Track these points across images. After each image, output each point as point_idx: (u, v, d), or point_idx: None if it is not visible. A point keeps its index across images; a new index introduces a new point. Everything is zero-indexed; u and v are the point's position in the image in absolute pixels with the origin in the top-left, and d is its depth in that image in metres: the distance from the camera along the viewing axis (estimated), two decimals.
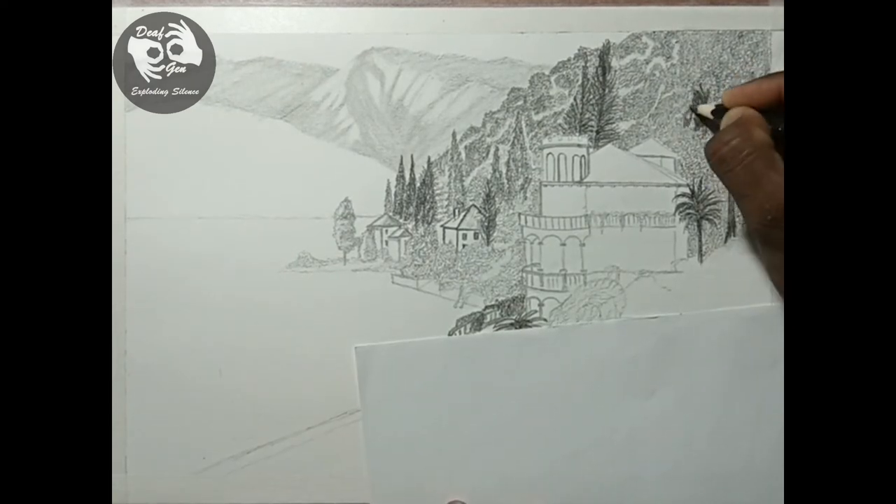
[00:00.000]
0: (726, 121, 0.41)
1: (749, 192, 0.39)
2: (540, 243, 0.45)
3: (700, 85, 0.45)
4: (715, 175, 0.43)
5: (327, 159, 0.44)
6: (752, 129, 0.39)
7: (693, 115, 0.45)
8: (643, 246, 0.45)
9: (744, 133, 0.39)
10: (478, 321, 0.45)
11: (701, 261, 0.45)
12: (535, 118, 0.45)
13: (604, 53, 0.45)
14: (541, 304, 0.45)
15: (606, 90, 0.45)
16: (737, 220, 0.45)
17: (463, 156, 0.45)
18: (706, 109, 0.44)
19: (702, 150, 0.45)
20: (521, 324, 0.45)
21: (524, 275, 0.45)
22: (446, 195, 0.45)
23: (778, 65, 0.45)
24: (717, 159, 0.40)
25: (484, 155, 0.45)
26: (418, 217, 0.45)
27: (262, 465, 0.44)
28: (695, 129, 0.45)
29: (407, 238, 0.45)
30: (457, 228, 0.45)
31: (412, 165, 0.45)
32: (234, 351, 0.44)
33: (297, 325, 0.44)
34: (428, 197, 0.45)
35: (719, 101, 0.44)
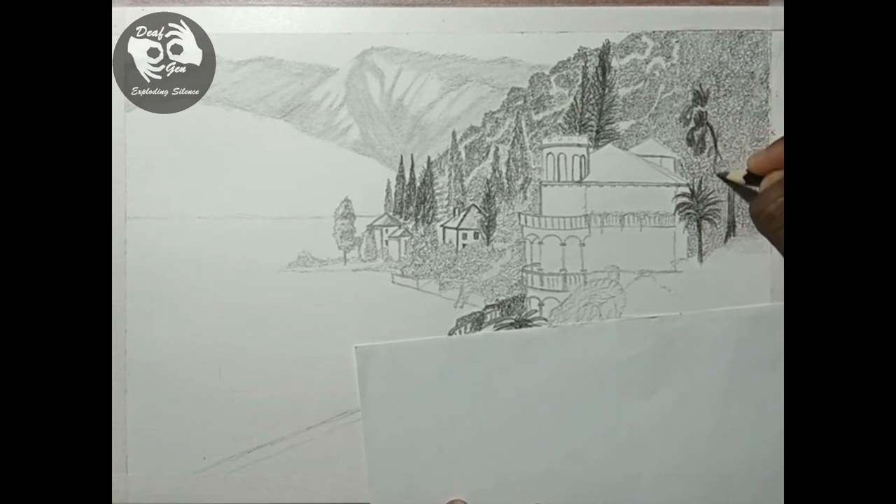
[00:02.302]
0: (767, 182, 0.41)
1: None
2: (540, 243, 0.45)
3: (700, 85, 0.45)
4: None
5: (327, 159, 0.44)
6: None
7: (720, 178, 0.45)
8: (643, 246, 0.45)
9: None
10: (478, 321, 0.45)
11: (701, 260, 0.45)
12: (535, 118, 0.45)
13: (604, 53, 0.45)
14: (541, 304, 0.45)
15: (606, 90, 0.45)
16: (736, 220, 0.45)
17: (463, 155, 0.45)
18: (738, 175, 0.43)
19: (701, 150, 0.45)
20: (522, 323, 0.45)
21: (524, 274, 0.45)
22: (446, 195, 0.45)
23: (778, 65, 0.45)
24: (766, 217, 0.40)
25: (484, 155, 0.45)
26: (418, 217, 0.45)
27: (262, 465, 0.44)
28: (694, 129, 0.45)
29: (407, 238, 0.45)
30: (457, 228, 0.45)
31: (412, 165, 0.45)
32: (233, 351, 0.44)
33: (297, 324, 0.44)
34: (428, 197, 0.45)
35: (744, 170, 0.43)
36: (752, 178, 0.42)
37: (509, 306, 0.45)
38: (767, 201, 0.40)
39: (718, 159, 0.45)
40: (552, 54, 0.45)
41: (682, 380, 0.44)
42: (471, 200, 0.45)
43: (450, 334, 0.44)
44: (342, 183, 0.44)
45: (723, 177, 0.44)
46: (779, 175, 0.41)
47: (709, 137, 0.45)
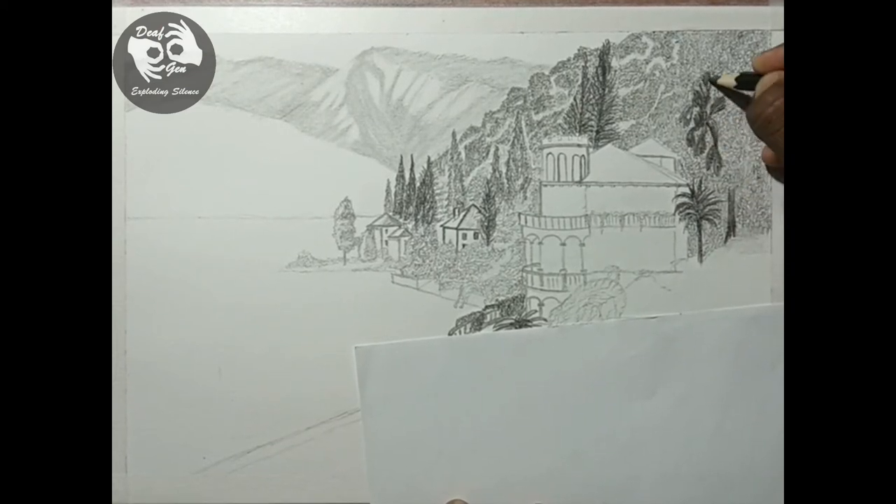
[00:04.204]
0: (763, 85, 0.41)
1: None
2: (540, 243, 0.45)
3: (700, 85, 0.45)
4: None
5: (327, 159, 0.44)
6: None
7: (707, 89, 0.44)
8: (643, 246, 0.45)
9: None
10: (478, 321, 0.45)
11: (701, 261, 0.45)
12: (535, 118, 0.45)
13: (604, 53, 0.45)
14: (541, 304, 0.45)
15: (606, 90, 0.45)
16: (736, 220, 0.45)
17: (463, 155, 0.45)
18: (729, 80, 0.43)
19: (701, 150, 0.45)
20: (521, 324, 0.45)
21: (524, 274, 0.45)
22: (446, 195, 0.45)
23: None
24: (763, 121, 0.40)
25: (484, 155, 0.45)
26: (418, 217, 0.45)
27: (262, 465, 0.44)
28: (694, 129, 0.45)
29: (407, 238, 0.45)
30: (457, 228, 0.45)
31: (412, 165, 0.45)
32: (233, 351, 0.44)
33: (297, 324, 0.44)
34: (428, 197, 0.45)
35: (736, 72, 0.43)
36: (745, 82, 0.42)
37: (509, 306, 0.45)
38: (764, 105, 0.40)
39: (718, 161, 0.45)
40: (552, 54, 0.45)
41: (682, 380, 0.44)
42: (471, 200, 0.45)
43: (450, 334, 0.44)
44: (342, 183, 0.44)
45: (713, 81, 0.44)
46: (775, 77, 0.40)
47: (709, 137, 0.45)
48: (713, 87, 0.45)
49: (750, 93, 0.42)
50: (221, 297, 0.44)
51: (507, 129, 0.45)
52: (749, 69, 0.44)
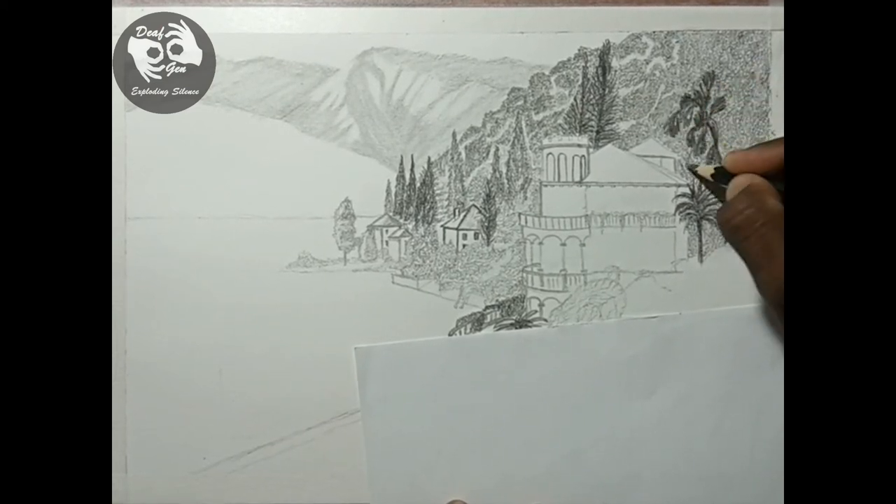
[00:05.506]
0: (734, 188, 0.41)
1: (764, 263, 0.38)
2: (540, 243, 0.45)
3: (700, 85, 0.45)
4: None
5: (327, 159, 0.44)
6: (765, 198, 0.39)
7: (689, 171, 0.44)
8: (643, 246, 0.45)
9: (756, 202, 0.39)
10: (478, 321, 0.45)
11: (701, 261, 0.45)
12: (536, 118, 0.45)
13: (604, 53, 0.45)
14: (541, 305, 0.45)
15: (606, 90, 0.45)
16: None
17: (463, 156, 0.45)
18: (706, 171, 0.43)
19: (701, 150, 0.45)
20: (522, 324, 0.45)
21: (524, 275, 0.45)
22: (446, 195, 0.45)
23: (778, 65, 0.45)
24: (731, 228, 0.40)
25: (484, 155, 0.45)
26: (418, 217, 0.45)
27: (262, 465, 0.44)
28: (694, 129, 0.45)
29: (407, 238, 0.45)
30: (457, 228, 0.45)
31: (412, 165, 0.45)
32: (234, 351, 0.44)
33: (297, 325, 0.44)
34: (428, 197, 0.45)
35: (717, 163, 0.43)
36: (721, 175, 0.42)
37: (509, 307, 0.45)
38: (734, 212, 0.39)
39: (718, 161, 0.45)
40: (552, 54, 0.45)
41: (681, 379, 0.44)
42: (471, 201, 0.45)
43: (450, 335, 0.44)
44: (342, 183, 0.44)
45: (692, 170, 0.44)
46: (747, 181, 0.40)
47: (709, 137, 0.45)
48: (713, 88, 0.45)
49: (724, 185, 0.42)
50: (221, 297, 0.44)
51: (507, 130, 0.45)
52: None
